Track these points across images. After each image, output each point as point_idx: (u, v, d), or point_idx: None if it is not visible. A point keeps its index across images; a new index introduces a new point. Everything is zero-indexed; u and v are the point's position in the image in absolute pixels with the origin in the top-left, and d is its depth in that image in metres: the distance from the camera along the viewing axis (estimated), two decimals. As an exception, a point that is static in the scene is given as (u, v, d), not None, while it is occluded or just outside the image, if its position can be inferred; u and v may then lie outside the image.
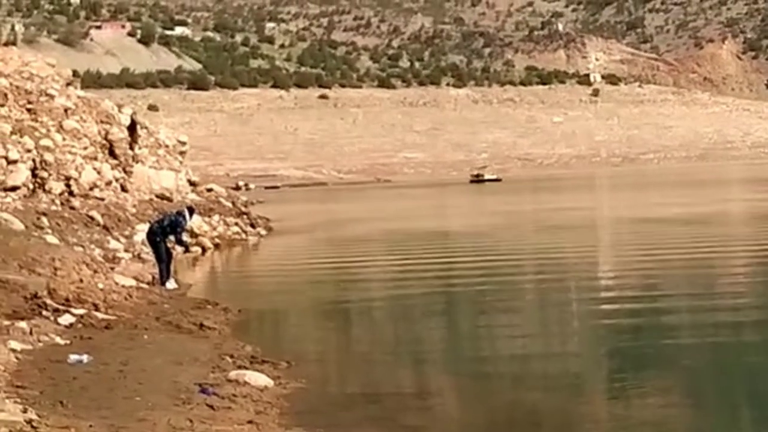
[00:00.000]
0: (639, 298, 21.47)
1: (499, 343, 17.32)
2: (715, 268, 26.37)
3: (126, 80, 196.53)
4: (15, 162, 33.02)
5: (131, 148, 40.63)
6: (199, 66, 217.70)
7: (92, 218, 33.23)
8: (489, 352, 16.63)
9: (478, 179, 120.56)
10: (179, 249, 30.01)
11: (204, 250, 35.24)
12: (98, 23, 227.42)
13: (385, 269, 29.90)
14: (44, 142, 35.01)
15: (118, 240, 32.65)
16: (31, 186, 33.59)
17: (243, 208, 46.68)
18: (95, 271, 20.79)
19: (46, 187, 33.99)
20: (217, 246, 37.10)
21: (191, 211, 25.90)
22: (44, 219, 30.95)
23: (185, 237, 26.50)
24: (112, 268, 24.89)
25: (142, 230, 30.85)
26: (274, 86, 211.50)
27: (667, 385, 13.41)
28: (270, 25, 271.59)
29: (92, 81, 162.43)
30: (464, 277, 26.40)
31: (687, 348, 15.78)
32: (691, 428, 11.67)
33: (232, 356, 15.03)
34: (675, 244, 32.46)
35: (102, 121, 39.32)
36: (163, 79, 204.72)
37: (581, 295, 22.55)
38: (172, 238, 24.88)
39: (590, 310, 20.05)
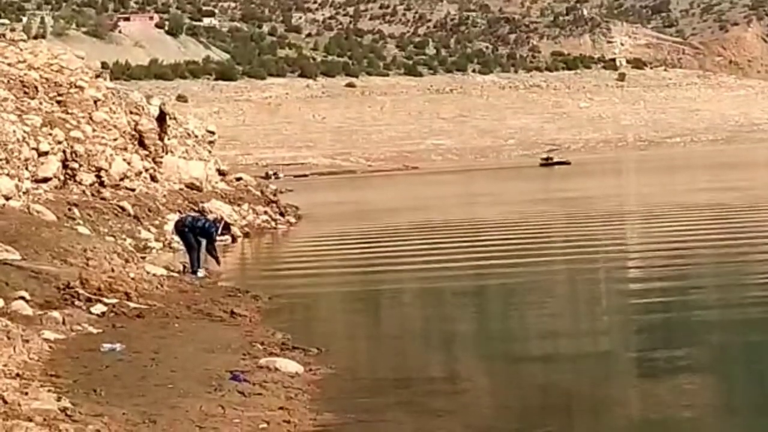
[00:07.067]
0: None
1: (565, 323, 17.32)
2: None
3: (154, 71, 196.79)
4: (46, 154, 33.23)
5: (160, 139, 40.79)
6: (226, 56, 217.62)
7: (123, 209, 33.41)
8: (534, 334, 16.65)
9: (547, 163, 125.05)
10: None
11: (234, 238, 35.34)
12: (126, 15, 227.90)
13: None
14: (74, 133, 35.21)
15: (148, 230, 32.86)
16: (62, 177, 33.80)
17: (272, 197, 46.77)
18: (126, 261, 20.92)
19: (77, 178, 34.19)
20: (246, 234, 37.24)
21: (226, 227, 25.91)
22: (75, 210, 31.16)
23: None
24: (143, 258, 25.07)
25: (172, 220, 31.00)
26: (301, 75, 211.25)
27: None
28: (297, 14, 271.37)
29: (121, 72, 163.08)
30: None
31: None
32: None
33: (262, 343, 15.11)
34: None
35: (131, 113, 39.50)
36: (192, 70, 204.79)
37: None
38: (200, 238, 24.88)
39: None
